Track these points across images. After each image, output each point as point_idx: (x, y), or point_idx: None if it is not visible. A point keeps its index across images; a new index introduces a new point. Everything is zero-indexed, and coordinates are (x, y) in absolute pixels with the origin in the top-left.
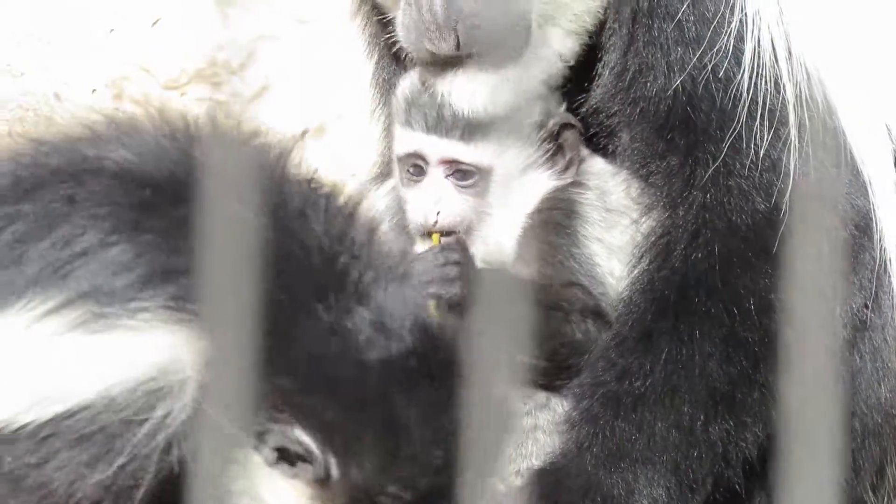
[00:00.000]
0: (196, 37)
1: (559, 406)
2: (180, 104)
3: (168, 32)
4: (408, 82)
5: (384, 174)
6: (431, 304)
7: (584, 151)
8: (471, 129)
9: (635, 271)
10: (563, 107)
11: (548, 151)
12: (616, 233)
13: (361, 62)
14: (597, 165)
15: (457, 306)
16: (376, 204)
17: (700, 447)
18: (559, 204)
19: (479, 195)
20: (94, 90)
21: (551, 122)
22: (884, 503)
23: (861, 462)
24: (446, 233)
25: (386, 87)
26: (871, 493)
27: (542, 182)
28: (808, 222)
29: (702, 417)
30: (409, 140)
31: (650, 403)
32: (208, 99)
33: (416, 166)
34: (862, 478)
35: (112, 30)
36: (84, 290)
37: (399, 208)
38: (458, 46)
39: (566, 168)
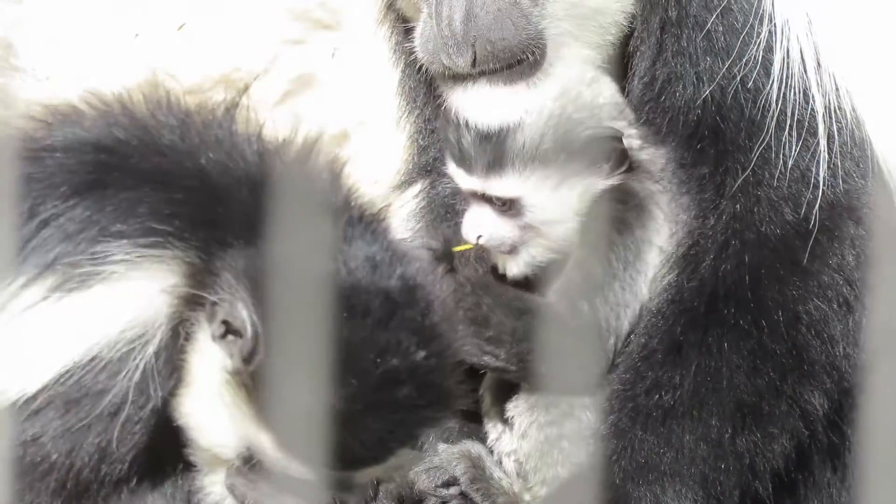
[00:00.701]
0: (220, 42)
1: (584, 415)
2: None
3: (192, 37)
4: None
5: (409, 181)
6: None
7: (636, 144)
8: (490, 164)
9: (664, 281)
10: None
11: (583, 161)
12: (672, 240)
13: (386, 69)
14: (660, 161)
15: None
16: (400, 209)
17: (728, 459)
18: (627, 199)
19: (519, 216)
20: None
21: (578, 140)
22: None
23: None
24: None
25: (412, 96)
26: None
27: (586, 188)
28: (834, 233)
29: (729, 430)
30: (450, 166)
31: (678, 416)
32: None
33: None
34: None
35: (137, 34)
36: (53, 255)
37: (427, 211)
38: (474, 63)
39: (612, 169)
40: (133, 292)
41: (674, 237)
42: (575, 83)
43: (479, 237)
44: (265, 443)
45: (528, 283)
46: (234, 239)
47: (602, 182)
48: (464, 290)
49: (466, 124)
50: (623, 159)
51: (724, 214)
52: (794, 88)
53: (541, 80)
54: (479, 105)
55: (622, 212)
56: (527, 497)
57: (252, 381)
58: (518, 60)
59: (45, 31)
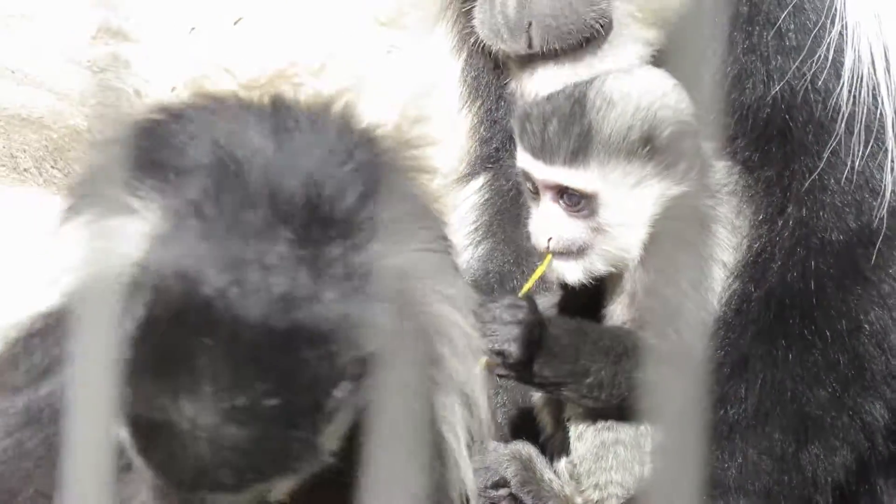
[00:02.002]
0: (277, 37)
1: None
2: None
3: (249, 32)
4: (527, 102)
5: (471, 173)
6: (483, 358)
7: (708, 152)
8: (574, 153)
9: (730, 290)
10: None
11: (661, 162)
12: (735, 253)
13: (443, 63)
14: (725, 172)
15: (510, 366)
16: (463, 203)
17: (791, 473)
18: (689, 215)
19: (591, 216)
20: (173, 88)
21: (664, 133)
22: None
23: None
24: (560, 252)
25: (475, 85)
26: None
27: (662, 191)
28: (893, 241)
29: (793, 443)
30: (522, 159)
31: (742, 429)
32: None
33: (532, 184)
34: None
35: (193, 28)
36: None
37: (491, 205)
38: (529, 46)
39: (685, 173)
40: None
41: (738, 247)
42: (656, 79)
43: (550, 239)
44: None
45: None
46: None
47: (676, 187)
48: (559, 342)
49: (552, 112)
50: (698, 162)
51: (790, 219)
52: (864, 91)
53: (604, 60)
54: (546, 87)
55: (684, 230)
56: (578, 500)
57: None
58: (578, 43)
59: (100, 23)
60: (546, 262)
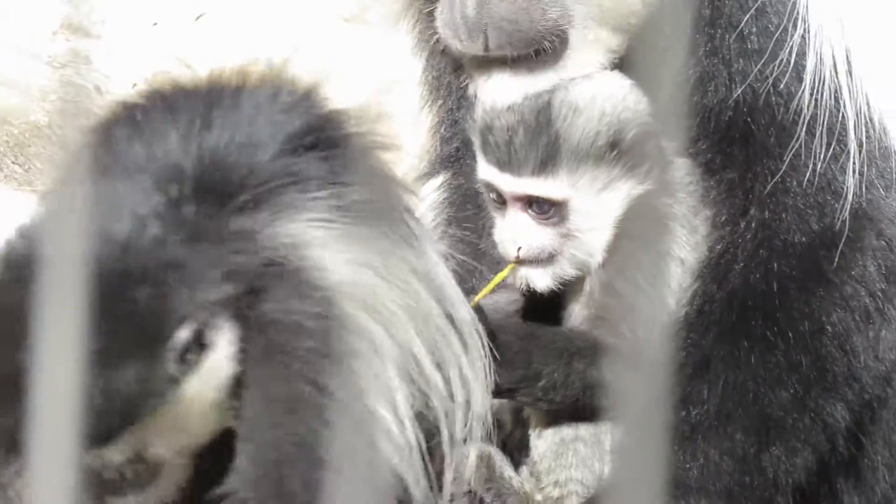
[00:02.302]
0: (239, 33)
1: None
2: None
3: (211, 27)
4: (486, 113)
5: (431, 172)
6: None
7: (668, 151)
8: (543, 163)
9: (692, 290)
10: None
11: (627, 163)
12: (694, 251)
13: (406, 60)
14: (683, 170)
15: None
16: (423, 201)
17: (752, 474)
18: (647, 214)
19: (561, 223)
20: (134, 84)
21: (629, 136)
22: None
23: None
24: (530, 260)
25: (436, 85)
26: None
27: (627, 192)
28: (857, 244)
29: (754, 444)
30: (486, 171)
31: (704, 430)
32: None
33: (497, 194)
34: None
35: (155, 24)
36: None
37: (449, 203)
38: (486, 49)
39: (648, 173)
40: None
41: (698, 247)
42: (616, 82)
43: (519, 248)
44: None
45: (546, 305)
46: None
47: (639, 186)
48: (511, 349)
49: (517, 123)
50: (659, 162)
51: (753, 221)
52: (826, 93)
53: (562, 70)
54: (501, 93)
55: (642, 228)
56: (538, 498)
57: None
58: (535, 51)
59: (61, 19)
60: (508, 269)
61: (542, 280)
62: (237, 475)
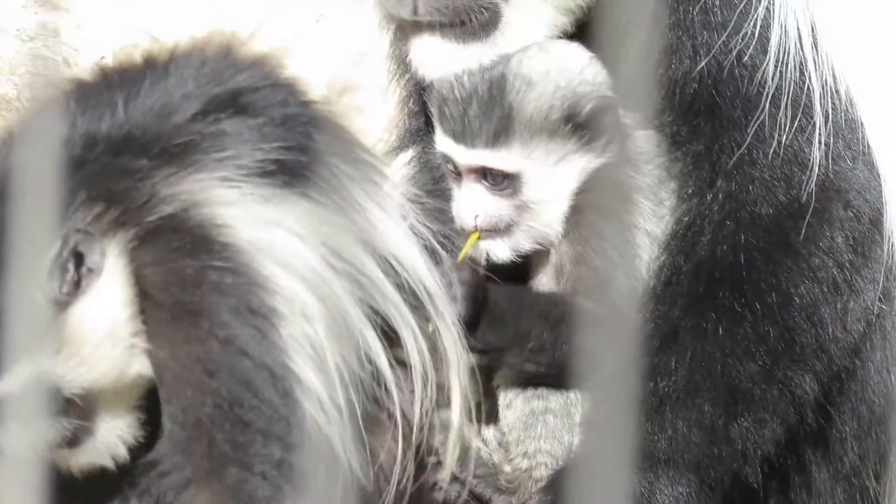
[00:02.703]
0: (206, 5)
1: (572, 391)
2: None
3: (178, 1)
4: (442, 85)
5: (400, 146)
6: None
7: (631, 123)
8: (496, 135)
9: (659, 262)
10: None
11: (583, 137)
12: (661, 223)
13: (373, 32)
14: (647, 143)
15: (465, 322)
16: (395, 174)
17: (720, 445)
18: (610, 186)
19: (515, 194)
20: (102, 57)
21: (585, 110)
22: (886, 490)
23: (866, 449)
24: (487, 229)
25: (402, 59)
26: (874, 481)
27: (584, 165)
28: (825, 215)
29: (722, 416)
30: (442, 142)
31: (672, 402)
32: None
33: (454, 166)
34: (866, 465)
35: None
36: None
37: (418, 179)
38: (415, 12)
39: (606, 146)
40: None
41: (664, 219)
42: (573, 55)
43: (476, 217)
44: None
45: (514, 276)
46: None
47: (597, 160)
48: (500, 306)
49: (471, 95)
50: (618, 135)
51: (720, 193)
52: (791, 66)
53: (494, 43)
54: (430, 58)
55: (605, 200)
56: (507, 469)
57: None
58: (467, 19)
59: None
60: (472, 240)
61: (501, 251)
62: (166, 439)
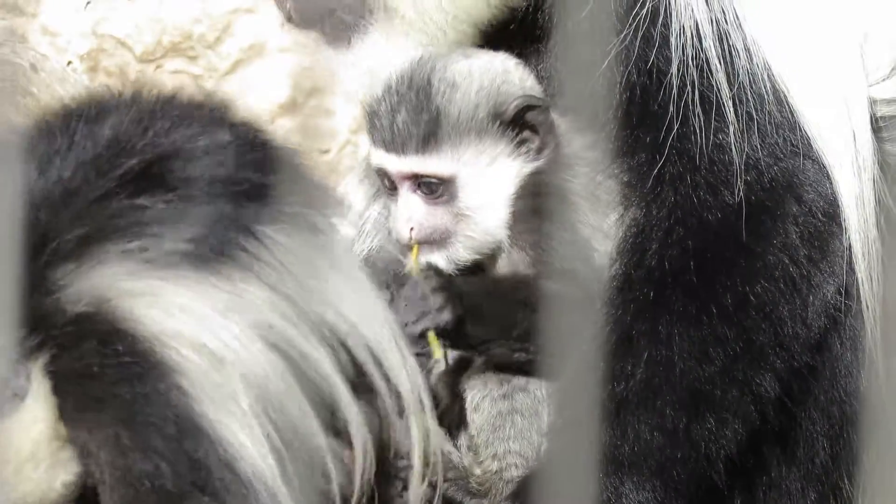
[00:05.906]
0: (172, 10)
1: (538, 390)
2: (155, 77)
3: (145, 5)
4: (371, 99)
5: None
6: (430, 336)
7: (563, 127)
8: (425, 140)
9: (612, 270)
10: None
11: (514, 138)
12: (608, 221)
13: None
14: (584, 147)
15: (445, 333)
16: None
17: (683, 448)
18: (545, 190)
19: (451, 201)
20: (69, 62)
21: (510, 107)
22: (859, 491)
23: (838, 449)
24: (424, 241)
25: None
26: (846, 481)
27: (517, 169)
28: (776, 212)
29: (684, 418)
30: (375, 155)
31: (632, 406)
32: (183, 72)
33: (388, 180)
34: (838, 465)
35: (89, 2)
36: None
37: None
38: (289, 19)
39: (540, 150)
40: None
41: (607, 216)
42: (497, 59)
43: (412, 229)
44: None
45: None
46: None
47: (531, 164)
48: (474, 299)
49: (398, 103)
50: (551, 137)
51: (666, 202)
52: (691, 65)
53: (356, 48)
54: (309, 52)
55: (545, 204)
56: (477, 471)
57: None
58: (337, 27)
59: None
60: (414, 253)
61: (441, 263)
62: None
